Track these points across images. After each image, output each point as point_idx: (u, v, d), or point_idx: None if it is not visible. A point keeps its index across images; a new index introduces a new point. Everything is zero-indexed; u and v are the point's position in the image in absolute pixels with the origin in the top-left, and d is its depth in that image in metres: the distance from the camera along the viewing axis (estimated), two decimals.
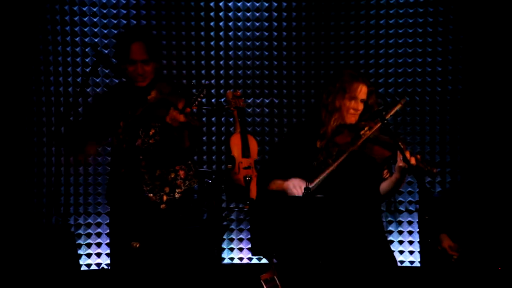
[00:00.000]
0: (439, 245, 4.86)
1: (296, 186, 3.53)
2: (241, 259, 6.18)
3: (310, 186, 3.45)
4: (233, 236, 6.17)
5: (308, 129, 3.73)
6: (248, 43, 6.20)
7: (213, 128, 6.19)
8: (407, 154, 3.41)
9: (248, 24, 6.19)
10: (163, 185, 3.97)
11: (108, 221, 5.90)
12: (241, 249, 6.18)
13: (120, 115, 3.97)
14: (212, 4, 6.14)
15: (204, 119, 6.18)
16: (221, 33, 6.17)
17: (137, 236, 3.84)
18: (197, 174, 4.19)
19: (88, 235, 6.01)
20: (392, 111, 3.62)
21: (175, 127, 3.79)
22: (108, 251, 5.93)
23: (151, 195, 3.94)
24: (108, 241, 5.96)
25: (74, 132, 4.09)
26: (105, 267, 5.94)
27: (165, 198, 3.96)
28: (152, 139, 3.95)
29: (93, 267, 5.98)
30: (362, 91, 3.64)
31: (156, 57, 3.98)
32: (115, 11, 6.01)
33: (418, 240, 5.97)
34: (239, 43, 6.19)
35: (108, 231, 5.94)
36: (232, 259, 6.17)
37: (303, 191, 3.43)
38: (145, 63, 3.91)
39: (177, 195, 4.00)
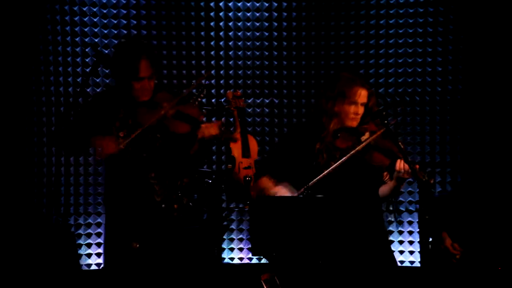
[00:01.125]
0: (441, 244, 4.86)
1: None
2: (241, 259, 6.18)
3: (309, 184, 3.45)
4: (233, 236, 6.17)
5: (308, 131, 3.72)
6: (248, 43, 6.20)
7: None
8: (401, 164, 3.43)
9: (248, 24, 6.19)
10: (171, 193, 3.97)
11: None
12: (241, 249, 6.18)
13: (119, 126, 3.93)
14: (212, 4, 6.14)
15: (204, 119, 6.17)
16: (221, 33, 6.17)
17: (138, 237, 3.84)
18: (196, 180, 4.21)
19: (88, 235, 6.01)
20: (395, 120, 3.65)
21: (203, 141, 3.84)
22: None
23: (164, 205, 3.95)
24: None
25: (71, 130, 4.02)
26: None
27: (176, 206, 3.97)
28: (158, 151, 3.94)
29: (93, 267, 5.98)
30: (362, 95, 3.59)
31: (158, 70, 3.98)
32: (115, 11, 6.01)
33: (418, 240, 5.96)
34: (239, 43, 6.19)
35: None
36: (232, 259, 6.17)
37: None
38: (151, 78, 3.90)
39: (184, 201, 4.00)
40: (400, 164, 3.44)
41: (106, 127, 3.89)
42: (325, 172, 3.48)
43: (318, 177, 3.47)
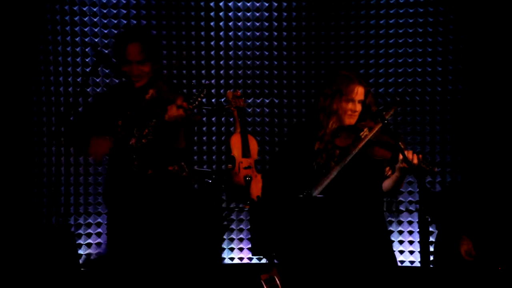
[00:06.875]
0: (457, 245, 4.83)
1: None
2: (241, 259, 6.18)
3: (315, 193, 3.45)
4: (233, 236, 6.17)
5: (307, 131, 3.72)
6: (248, 43, 6.20)
7: (213, 128, 6.20)
8: (408, 154, 3.40)
9: (248, 24, 6.19)
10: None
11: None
12: (241, 249, 6.18)
13: (118, 114, 3.97)
14: (212, 4, 6.14)
15: (204, 119, 6.18)
16: (221, 33, 6.17)
17: (134, 236, 3.85)
18: (191, 176, 4.18)
19: (88, 235, 6.01)
20: (392, 111, 3.63)
21: (172, 125, 3.80)
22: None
23: (136, 169, 3.94)
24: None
25: (74, 130, 4.09)
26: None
27: (149, 171, 3.95)
28: (145, 139, 3.94)
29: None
30: (359, 92, 3.62)
31: (153, 58, 3.95)
32: (115, 11, 6.01)
33: (418, 240, 5.97)
34: (239, 43, 6.19)
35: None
36: (232, 259, 6.17)
37: None
38: (140, 63, 3.89)
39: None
40: (407, 154, 3.42)
41: (111, 115, 3.94)
42: (331, 176, 3.47)
43: (324, 184, 3.46)
